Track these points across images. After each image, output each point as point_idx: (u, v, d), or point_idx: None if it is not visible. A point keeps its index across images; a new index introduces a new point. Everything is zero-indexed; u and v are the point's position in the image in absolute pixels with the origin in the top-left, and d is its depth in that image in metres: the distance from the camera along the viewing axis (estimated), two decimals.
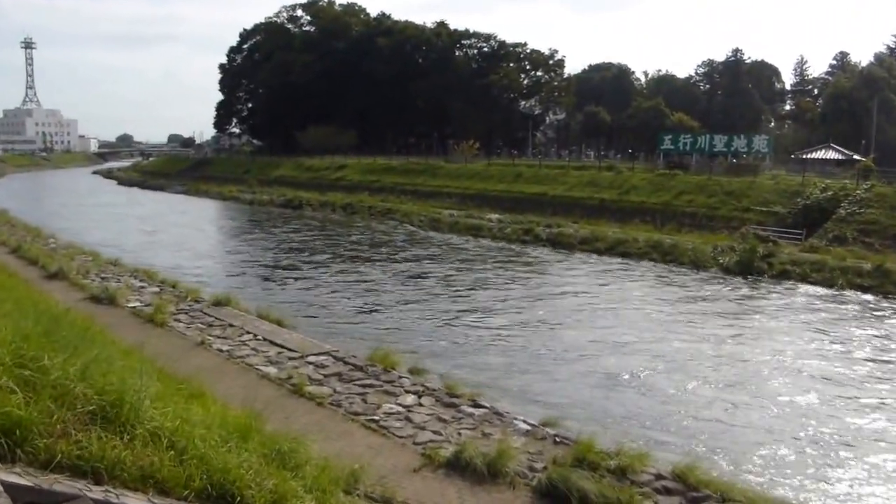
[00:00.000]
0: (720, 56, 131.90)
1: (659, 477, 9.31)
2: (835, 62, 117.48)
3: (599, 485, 8.63)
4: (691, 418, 13.24)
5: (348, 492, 7.52)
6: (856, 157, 62.26)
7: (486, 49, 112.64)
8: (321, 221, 50.51)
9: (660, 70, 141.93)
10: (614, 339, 19.22)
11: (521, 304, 23.61)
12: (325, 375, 12.98)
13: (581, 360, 17.11)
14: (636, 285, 27.98)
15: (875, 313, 23.60)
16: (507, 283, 27.38)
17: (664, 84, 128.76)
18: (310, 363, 13.67)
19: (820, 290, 26.87)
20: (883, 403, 14.55)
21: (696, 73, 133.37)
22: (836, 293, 26.48)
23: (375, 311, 22.18)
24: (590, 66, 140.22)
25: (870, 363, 17.56)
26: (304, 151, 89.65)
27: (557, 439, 10.40)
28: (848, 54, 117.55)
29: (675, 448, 11.39)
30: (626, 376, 15.79)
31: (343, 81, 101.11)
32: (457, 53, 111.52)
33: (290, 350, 14.52)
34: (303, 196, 63.22)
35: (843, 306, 24.55)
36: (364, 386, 12.41)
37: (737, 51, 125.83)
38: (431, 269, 30.14)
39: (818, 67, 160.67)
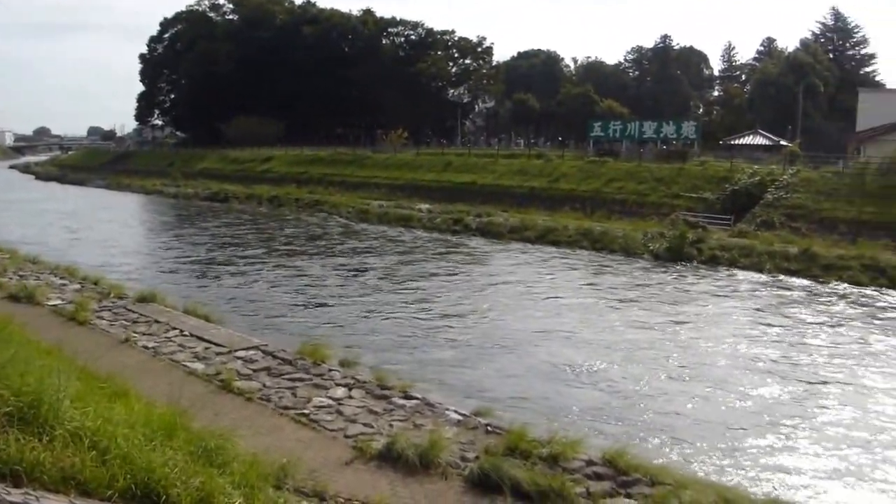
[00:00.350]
0: (649, 42, 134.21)
1: (590, 463, 9.43)
2: (762, 48, 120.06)
3: (531, 472, 8.69)
4: (651, 412, 13.12)
5: (278, 487, 7.44)
6: (782, 142, 64.02)
7: (413, 37, 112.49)
8: (252, 215, 49.79)
9: (589, 57, 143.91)
10: (564, 329, 19.18)
11: (466, 296, 23.59)
12: (255, 370, 12.82)
13: (532, 352, 16.98)
14: (578, 274, 28.26)
15: (819, 299, 24.17)
16: (449, 275, 27.38)
17: (593, 71, 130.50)
18: (238, 358, 13.47)
19: (763, 277, 27.47)
20: (842, 391, 14.70)
21: (626, 60, 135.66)
22: (774, 278, 27.17)
23: (318, 305, 21.86)
24: (518, 54, 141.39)
25: (824, 350, 17.81)
26: (229, 143, 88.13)
27: (489, 429, 10.45)
28: (775, 40, 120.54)
29: (634, 443, 11.27)
30: (581, 369, 15.63)
31: (268, 71, 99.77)
32: (384, 42, 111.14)
33: (217, 345, 14.29)
34: (228, 189, 62.30)
35: (787, 292, 25.09)
36: (294, 380, 12.30)
37: (665, 37, 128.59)
38: (371, 262, 29.97)
39: (746, 53, 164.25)
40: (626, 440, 10.96)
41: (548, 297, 23.62)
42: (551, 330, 19.13)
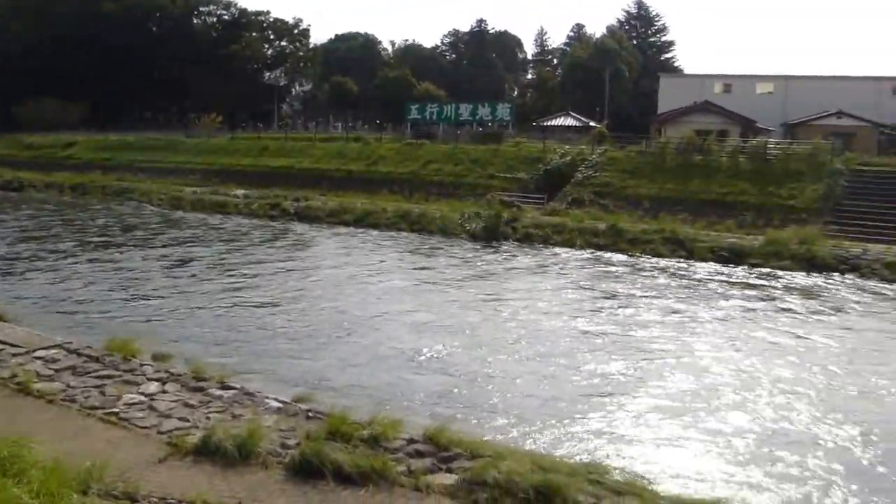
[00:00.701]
0: (465, 26, 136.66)
1: (412, 441, 9.47)
2: (572, 34, 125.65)
3: (352, 455, 8.60)
4: (498, 393, 13.09)
5: (84, 492, 6.99)
6: (592, 123, 66.97)
7: (226, 17, 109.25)
8: (56, 205, 46.36)
9: (406, 40, 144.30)
10: (403, 313, 18.98)
11: (299, 283, 23.05)
12: (57, 370, 11.95)
13: (372, 338, 16.62)
14: (410, 257, 28.40)
15: (643, 273, 25.39)
16: (279, 262, 26.65)
17: (411, 54, 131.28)
18: (38, 358, 12.51)
19: (586, 254, 28.61)
20: (678, 361, 15.24)
21: (443, 43, 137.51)
22: (594, 255, 28.37)
23: (141, 300, 20.42)
24: (336, 36, 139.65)
25: (657, 322, 18.49)
26: (24, 128, 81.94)
27: (310, 414, 10.28)
28: (584, 26, 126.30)
29: (474, 421, 11.40)
30: (423, 353, 15.38)
31: (68, 51, 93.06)
32: (195, 21, 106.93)
33: (13, 346, 13.19)
34: (24, 177, 57.80)
35: (612, 268, 26.18)
36: (101, 378, 11.56)
37: (481, 21, 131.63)
38: (195, 252, 28.63)
39: (557, 38, 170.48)
40: (474, 423, 11.07)
41: (382, 281, 23.50)
42: (390, 314, 18.93)
